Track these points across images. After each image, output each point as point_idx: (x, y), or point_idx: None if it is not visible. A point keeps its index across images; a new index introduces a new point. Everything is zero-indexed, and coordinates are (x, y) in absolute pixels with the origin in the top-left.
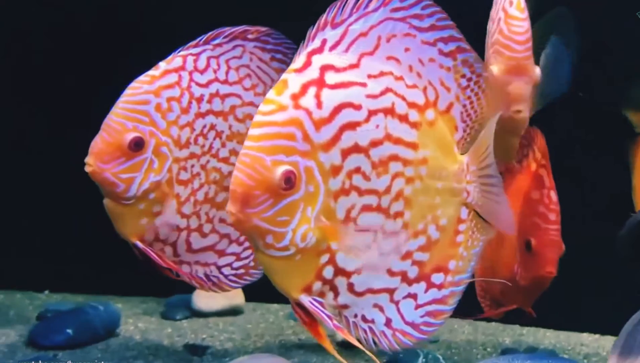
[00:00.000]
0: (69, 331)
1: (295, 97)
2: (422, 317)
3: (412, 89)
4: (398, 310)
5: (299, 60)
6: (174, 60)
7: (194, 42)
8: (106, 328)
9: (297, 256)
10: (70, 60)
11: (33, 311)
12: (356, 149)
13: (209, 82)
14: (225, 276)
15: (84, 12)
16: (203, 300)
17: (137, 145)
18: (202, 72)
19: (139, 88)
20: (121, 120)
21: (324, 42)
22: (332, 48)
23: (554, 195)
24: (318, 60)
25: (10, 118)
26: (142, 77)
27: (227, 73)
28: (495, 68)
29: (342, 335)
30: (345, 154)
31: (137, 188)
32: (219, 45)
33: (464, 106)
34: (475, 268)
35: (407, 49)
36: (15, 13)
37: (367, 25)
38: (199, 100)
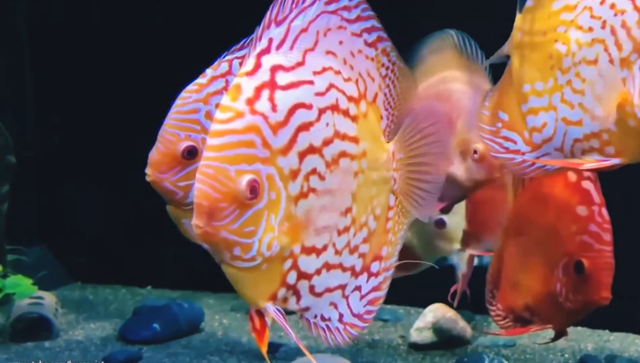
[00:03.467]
0: (156, 326)
1: (250, 102)
2: (364, 306)
3: (348, 82)
4: (348, 304)
5: (249, 62)
6: (220, 65)
7: (238, 45)
8: (190, 324)
9: (263, 265)
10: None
11: (132, 306)
12: (311, 149)
13: None
14: None
15: (140, 28)
16: None
17: (191, 153)
18: None
19: (188, 97)
20: (174, 130)
21: (270, 41)
22: (278, 47)
23: (606, 213)
24: (267, 61)
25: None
26: (190, 86)
27: None
28: None
29: (301, 347)
30: (302, 156)
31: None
32: None
33: (385, 95)
34: (494, 281)
35: (340, 42)
36: (76, 30)
37: (306, 21)
38: None
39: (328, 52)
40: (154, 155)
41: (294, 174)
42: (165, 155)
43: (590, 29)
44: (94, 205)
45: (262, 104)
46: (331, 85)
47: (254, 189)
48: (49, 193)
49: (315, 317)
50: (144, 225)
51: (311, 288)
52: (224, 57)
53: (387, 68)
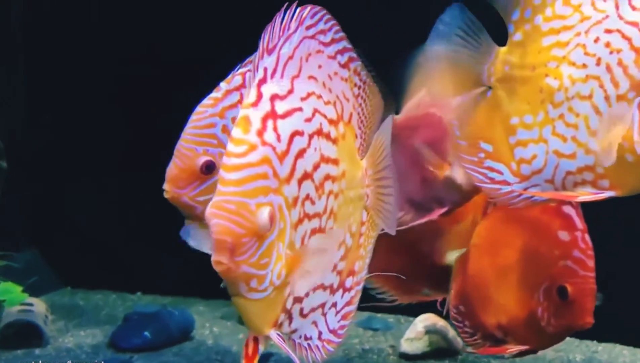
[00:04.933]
0: (147, 334)
1: (260, 134)
2: (339, 321)
3: (328, 105)
4: (325, 321)
5: (251, 93)
6: (234, 79)
7: (250, 58)
8: (181, 332)
9: (272, 294)
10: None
11: (122, 312)
12: (305, 175)
13: None
14: None
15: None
16: None
17: (209, 168)
18: None
19: (204, 112)
20: (191, 145)
21: (265, 70)
22: (272, 76)
23: (589, 240)
24: (266, 91)
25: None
26: (205, 101)
27: None
28: None
29: None
30: (300, 183)
31: None
32: None
33: (358, 114)
34: (460, 297)
35: (319, 66)
36: (71, 29)
37: (292, 48)
38: None
39: (310, 77)
40: (172, 170)
41: (295, 201)
42: (184, 171)
43: (585, 66)
44: (84, 210)
45: (269, 135)
46: (315, 110)
47: (272, 220)
48: (38, 197)
49: (300, 337)
50: (135, 230)
51: (301, 311)
52: (237, 70)
53: (359, 87)
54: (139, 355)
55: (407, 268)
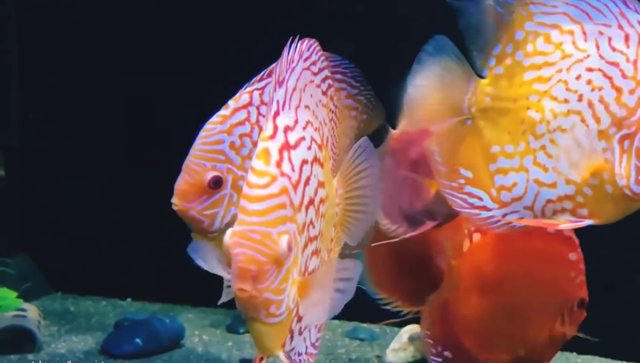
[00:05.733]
0: (138, 341)
1: (279, 165)
2: (316, 334)
3: (317, 131)
4: (310, 335)
5: (269, 126)
6: (242, 97)
7: (257, 77)
8: (171, 339)
9: (286, 318)
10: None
11: (113, 318)
12: (310, 202)
13: None
14: None
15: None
16: None
17: (217, 183)
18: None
19: (213, 129)
20: (200, 161)
21: (278, 103)
22: (282, 107)
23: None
24: (280, 123)
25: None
26: (214, 118)
27: None
28: None
29: None
30: (307, 209)
31: (220, 222)
32: None
33: (331, 136)
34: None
35: (311, 95)
36: (66, 28)
37: (295, 80)
38: None
39: (306, 106)
40: (181, 185)
41: (303, 227)
42: (192, 186)
43: (566, 101)
44: (74, 215)
45: (286, 166)
46: (312, 138)
47: (290, 248)
48: (27, 201)
49: (295, 354)
50: (126, 237)
51: (299, 330)
52: (245, 88)
53: (333, 112)
54: (129, 361)
55: (413, 279)
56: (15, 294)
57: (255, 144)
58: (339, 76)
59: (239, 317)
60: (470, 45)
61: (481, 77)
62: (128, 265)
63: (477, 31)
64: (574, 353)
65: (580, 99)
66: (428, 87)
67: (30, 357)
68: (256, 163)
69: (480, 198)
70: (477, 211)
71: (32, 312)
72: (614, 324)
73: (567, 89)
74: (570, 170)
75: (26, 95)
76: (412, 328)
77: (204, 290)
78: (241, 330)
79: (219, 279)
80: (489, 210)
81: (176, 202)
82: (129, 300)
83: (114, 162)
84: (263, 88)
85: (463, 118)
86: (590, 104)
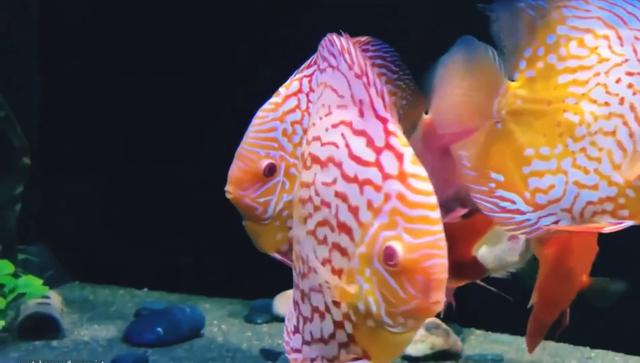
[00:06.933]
0: (159, 330)
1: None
2: None
3: None
4: None
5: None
6: (292, 84)
7: (306, 64)
8: (191, 329)
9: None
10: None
11: (132, 307)
12: None
13: None
14: None
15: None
16: (283, 304)
17: (271, 170)
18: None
19: (266, 117)
20: (254, 149)
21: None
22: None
23: None
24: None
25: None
26: (266, 106)
27: None
28: None
29: None
30: None
31: (273, 209)
32: None
33: None
34: None
35: None
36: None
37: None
38: None
39: None
40: (235, 172)
41: None
42: (247, 173)
43: (607, 104)
44: (91, 204)
45: None
46: None
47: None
48: (46, 191)
49: None
50: (142, 226)
51: None
52: (295, 75)
53: None
54: (152, 350)
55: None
56: (40, 282)
57: (305, 132)
58: (379, 61)
59: (256, 308)
60: (501, 48)
61: (511, 80)
62: (144, 255)
63: (508, 34)
64: (587, 347)
65: (621, 102)
66: (458, 88)
67: (54, 343)
68: (417, 169)
69: (513, 202)
70: (510, 215)
71: (55, 299)
72: (627, 319)
73: (607, 92)
74: (613, 172)
75: (50, 87)
76: (430, 321)
77: (220, 281)
78: (259, 321)
79: (235, 270)
80: (523, 213)
81: (230, 189)
82: (145, 289)
83: (132, 153)
84: (311, 75)
85: (492, 121)
86: (633, 107)
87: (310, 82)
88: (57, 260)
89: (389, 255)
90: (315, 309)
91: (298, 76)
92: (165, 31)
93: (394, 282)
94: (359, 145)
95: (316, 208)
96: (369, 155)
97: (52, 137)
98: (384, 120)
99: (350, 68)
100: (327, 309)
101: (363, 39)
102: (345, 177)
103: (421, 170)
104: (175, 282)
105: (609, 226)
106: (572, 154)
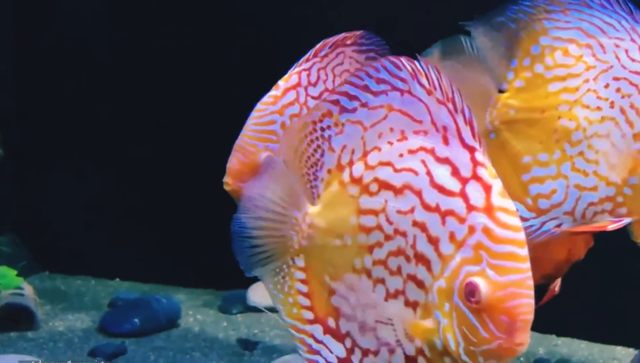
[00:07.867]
0: (136, 321)
1: None
2: None
3: None
4: None
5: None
6: (291, 78)
7: (304, 57)
8: (168, 319)
9: None
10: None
11: (105, 298)
12: None
13: (321, 93)
14: None
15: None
16: (257, 295)
17: None
18: (314, 85)
19: (265, 109)
20: (253, 141)
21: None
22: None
23: None
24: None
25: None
26: (265, 98)
27: (333, 81)
28: None
29: None
30: None
31: None
32: (325, 55)
33: None
34: None
35: None
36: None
37: None
38: None
39: None
40: (235, 164)
41: None
42: (246, 165)
43: (599, 108)
44: (62, 194)
45: None
46: None
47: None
48: (15, 180)
49: None
50: (113, 216)
51: None
52: (294, 69)
53: None
54: (129, 340)
55: None
56: (14, 272)
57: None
58: (372, 55)
59: (230, 298)
60: (485, 62)
61: (499, 91)
62: (115, 245)
63: (491, 48)
64: (553, 335)
65: (612, 105)
66: None
67: (29, 334)
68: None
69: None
70: None
71: (28, 290)
72: (596, 307)
73: (598, 97)
74: (610, 173)
75: (24, 80)
76: None
77: (193, 271)
78: (234, 311)
79: (207, 260)
80: (526, 220)
81: (229, 181)
82: (117, 279)
83: (104, 141)
84: (310, 68)
85: (486, 132)
86: (623, 110)
87: (309, 75)
88: (26, 250)
89: (470, 291)
90: (383, 343)
91: (297, 70)
92: (155, 20)
93: (475, 319)
94: (442, 174)
95: (387, 237)
96: (453, 184)
97: (22, 127)
98: (471, 150)
99: (430, 93)
100: (399, 343)
101: (358, 33)
102: (426, 206)
103: (510, 204)
104: (146, 272)
105: (611, 224)
106: (570, 158)
